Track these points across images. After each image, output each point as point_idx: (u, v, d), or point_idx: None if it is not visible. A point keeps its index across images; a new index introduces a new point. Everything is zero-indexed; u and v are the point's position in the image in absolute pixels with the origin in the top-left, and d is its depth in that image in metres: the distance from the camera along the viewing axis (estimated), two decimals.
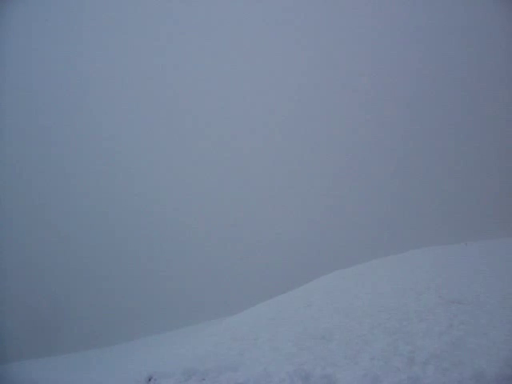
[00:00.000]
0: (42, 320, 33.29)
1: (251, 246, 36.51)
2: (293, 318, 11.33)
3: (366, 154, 40.97)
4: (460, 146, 38.79)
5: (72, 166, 41.88)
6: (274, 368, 8.47)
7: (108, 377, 12.28)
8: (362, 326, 9.83)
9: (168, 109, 45.13)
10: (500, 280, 11.86)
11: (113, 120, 43.98)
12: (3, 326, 32.31)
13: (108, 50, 45.78)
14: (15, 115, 40.25)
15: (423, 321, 9.46)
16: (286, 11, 46.27)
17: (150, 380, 10.16)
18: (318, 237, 36.06)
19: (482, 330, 8.74)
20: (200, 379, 9.31)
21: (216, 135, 43.55)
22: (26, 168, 40.16)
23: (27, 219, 38.28)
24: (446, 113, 40.65)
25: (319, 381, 7.77)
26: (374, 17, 44.47)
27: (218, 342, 10.86)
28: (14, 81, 40.54)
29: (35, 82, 43.13)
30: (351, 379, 7.52)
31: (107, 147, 42.87)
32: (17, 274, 35.37)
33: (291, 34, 46.16)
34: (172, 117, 45.00)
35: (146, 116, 44.97)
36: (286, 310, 12.25)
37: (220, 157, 42.51)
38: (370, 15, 44.58)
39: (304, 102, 43.76)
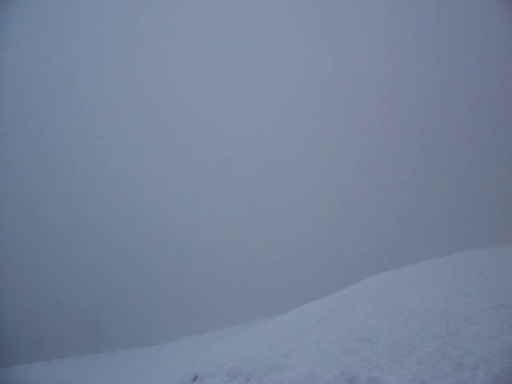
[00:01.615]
0: (87, 319, 34.12)
1: (296, 247, 36.39)
2: (338, 320, 11.24)
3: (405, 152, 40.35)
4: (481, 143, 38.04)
5: (72, 166, 42.35)
6: (319, 370, 8.44)
7: (154, 375, 12.50)
8: (408, 328, 9.65)
9: (168, 109, 45.24)
10: None
11: (112, 120, 44.29)
12: (44, 324, 33.30)
13: (108, 50, 46.12)
14: (13, 116, 41.09)
15: (472, 325, 9.21)
16: (292, 9, 46.10)
17: (195, 379, 10.29)
18: (363, 238, 35.65)
19: None
20: (245, 379, 9.37)
21: (220, 137, 43.60)
22: (26, 168, 40.92)
23: (33, 222, 39.23)
24: (457, 116, 39.80)
25: (365, 383, 7.70)
26: (380, 18, 43.84)
27: (262, 343, 10.88)
28: (13, 81, 41.33)
29: (34, 81, 43.66)
30: (398, 383, 7.41)
31: (107, 147, 43.28)
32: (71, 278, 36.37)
33: (293, 34, 45.94)
34: (173, 117, 45.08)
35: (146, 116, 45.12)
36: (332, 311, 12.16)
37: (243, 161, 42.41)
38: (376, 16, 43.99)
39: (314, 106, 43.35)
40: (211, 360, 10.98)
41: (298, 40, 45.68)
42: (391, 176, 39.05)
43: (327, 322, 11.31)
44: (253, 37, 45.98)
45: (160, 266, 37.12)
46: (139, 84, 45.23)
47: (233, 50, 46.15)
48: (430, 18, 42.64)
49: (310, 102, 43.47)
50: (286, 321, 12.59)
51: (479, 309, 10.04)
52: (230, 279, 35.52)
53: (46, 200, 40.52)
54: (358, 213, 38.56)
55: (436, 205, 36.93)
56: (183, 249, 37.99)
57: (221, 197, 40.71)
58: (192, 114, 45.00)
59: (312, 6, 45.15)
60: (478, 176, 36.72)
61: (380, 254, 31.80)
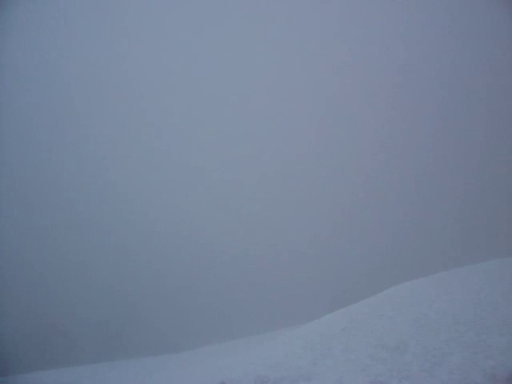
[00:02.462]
0: (111, 326, 34.38)
1: (320, 256, 36.20)
2: (365, 329, 11.17)
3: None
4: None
5: (72, 167, 42.61)
6: (348, 379, 8.40)
7: (181, 382, 12.53)
8: (437, 337, 9.53)
9: (169, 109, 45.25)
10: None
11: (113, 120, 44.42)
12: (68, 330, 33.65)
13: (108, 49, 46.19)
14: (13, 116, 41.45)
15: (503, 335, 9.04)
16: (292, 10, 46.03)
17: None
18: (390, 246, 35.33)
19: None
20: None
21: (225, 140, 43.49)
22: (27, 168, 41.14)
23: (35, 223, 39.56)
24: (465, 119, 39.43)
25: None
26: (377, 17, 43.60)
27: (290, 351, 10.86)
28: (13, 81, 41.72)
29: (34, 81, 44.02)
30: None
31: (107, 147, 43.45)
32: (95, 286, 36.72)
33: (294, 35, 45.79)
34: (173, 117, 45.10)
35: (147, 115, 45.13)
36: (358, 320, 12.09)
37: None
38: (373, 16, 43.75)
39: (319, 110, 43.19)
40: (238, 367, 10.99)
41: (301, 41, 45.60)
42: (412, 178, 38.86)
43: (354, 330, 11.24)
44: (255, 37, 45.93)
45: (186, 274, 37.23)
46: (140, 84, 45.18)
47: (234, 50, 46.21)
48: (431, 17, 42.39)
49: (315, 105, 43.42)
50: (312, 329, 12.55)
51: (510, 319, 9.88)
52: (257, 288, 35.48)
53: (60, 204, 40.92)
54: (381, 220, 38.25)
55: (463, 211, 36.44)
56: (208, 258, 38.03)
57: (239, 207, 40.59)
58: (193, 114, 45.00)
59: (316, 7, 45.13)
60: (504, 180, 36.31)
61: (405, 263, 31.48)
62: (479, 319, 10.12)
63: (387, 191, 38.89)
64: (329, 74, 42.81)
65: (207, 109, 45.05)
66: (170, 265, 37.71)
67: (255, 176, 41.28)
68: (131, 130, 44.52)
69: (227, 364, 12.62)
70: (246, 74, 44.85)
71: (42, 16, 44.46)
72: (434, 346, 9.11)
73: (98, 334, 33.68)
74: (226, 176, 41.84)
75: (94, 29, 46.12)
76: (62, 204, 41.04)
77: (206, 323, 32.63)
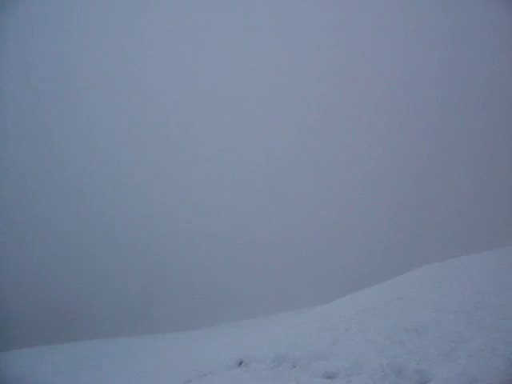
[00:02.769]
0: (135, 301, 34.96)
1: (339, 236, 36.16)
2: (384, 310, 11.14)
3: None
4: None
5: (72, 167, 42.74)
6: (366, 359, 8.41)
7: (199, 359, 12.69)
8: (457, 321, 9.47)
9: (171, 107, 45.11)
10: None
11: (113, 120, 44.42)
12: (93, 304, 34.31)
13: (107, 50, 46.02)
14: (16, 115, 41.61)
15: None
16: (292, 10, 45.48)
17: (240, 364, 10.42)
18: (410, 228, 35.15)
19: None
20: (291, 366, 9.43)
21: (226, 138, 43.38)
22: (28, 168, 41.47)
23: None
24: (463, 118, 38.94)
25: (413, 375, 7.63)
26: (378, 17, 42.98)
27: (308, 331, 10.92)
28: (13, 81, 41.73)
29: (33, 82, 44.05)
30: (447, 376, 7.27)
31: (107, 147, 43.56)
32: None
33: (294, 34, 45.30)
34: (174, 116, 45.00)
35: (149, 114, 45.01)
36: (377, 301, 12.07)
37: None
38: (373, 15, 43.13)
39: (318, 109, 42.82)
40: (257, 346, 11.10)
41: (302, 41, 45.18)
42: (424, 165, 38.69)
43: (373, 311, 11.23)
44: (255, 37, 45.56)
45: (207, 252, 37.54)
46: (142, 82, 45.24)
47: (234, 50, 45.90)
48: (431, 16, 41.76)
49: (313, 104, 43.17)
50: (331, 309, 12.59)
51: None
52: (277, 267, 35.63)
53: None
54: (404, 201, 38.00)
55: (480, 196, 36.07)
56: (229, 238, 38.22)
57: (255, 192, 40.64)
58: (193, 114, 44.94)
59: (316, 7, 44.58)
60: None
61: (427, 245, 31.29)
62: (501, 305, 10.01)
63: (401, 174, 38.73)
64: (327, 73, 42.56)
65: (208, 109, 45.00)
66: (190, 243, 38.04)
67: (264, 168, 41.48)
68: (135, 127, 44.71)
69: (246, 342, 12.75)
70: (246, 73, 44.59)
71: (44, 14, 44.54)
72: (454, 329, 9.05)
73: (121, 309, 34.28)
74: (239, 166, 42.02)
75: (97, 28, 46.02)
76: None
77: (226, 301, 32.95)
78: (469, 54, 39.65)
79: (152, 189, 41.62)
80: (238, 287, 34.38)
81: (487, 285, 11.63)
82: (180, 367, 12.19)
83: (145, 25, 46.84)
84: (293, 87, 43.98)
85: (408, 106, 41.27)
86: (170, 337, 23.37)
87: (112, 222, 39.77)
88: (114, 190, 41.41)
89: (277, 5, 45.72)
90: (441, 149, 39.36)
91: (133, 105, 45.40)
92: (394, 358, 8.21)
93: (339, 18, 43.93)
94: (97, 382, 13.70)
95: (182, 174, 42.29)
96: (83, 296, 35.02)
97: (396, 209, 37.73)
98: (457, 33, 40.12)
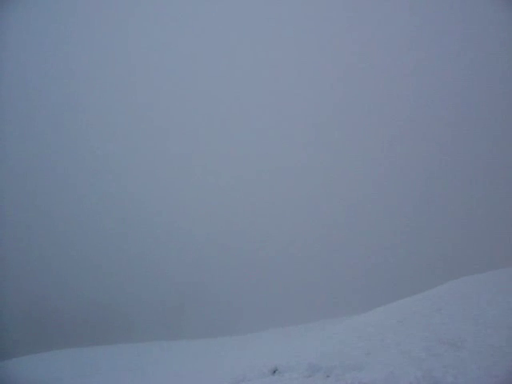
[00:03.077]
0: (171, 306, 35.29)
1: (380, 247, 35.74)
2: (421, 322, 10.96)
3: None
4: None
5: (72, 167, 43.15)
6: (401, 371, 8.27)
7: (233, 365, 12.73)
8: (496, 335, 9.23)
9: (170, 108, 45.03)
10: None
11: (113, 120, 44.59)
12: (130, 309, 34.75)
13: (107, 50, 46.22)
14: (13, 116, 42.07)
15: None
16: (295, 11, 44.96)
17: (274, 372, 10.38)
18: (450, 238, 34.48)
19: None
20: (324, 376, 9.35)
21: (228, 139, 43.05)
22: (27, 168, 41.99)
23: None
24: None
25: None
26: (381, 20, 42.21)
27: (343, 341, 10.80)
28: (13, 81, 42.19)
29: (33, 82, 44.53)
30: None
31: (108, 147, 43.71)
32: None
33: (297, 35, 44.79)
34: (174, 116, 44.88)
35: (147, 115, 45.04)
36: (414, 312, 11.87)
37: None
38: (376, 18, 42.37)
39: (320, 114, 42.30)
40: (291, 354, 11.03)
41: (304, 41, 44.95)
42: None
43: (410, 323, 11.05)
44: (258, 38, 45.35)
45: (242, 260, 37.60)
46: (140, 84, 45.47)
47: (236, 50, 45.78)
48: (435, 19, 41.00)
49: (317, 106, 42.79)
50: (367, 320, 12.43)
51: None
52: (312, 275, 35.45)
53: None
54: (447, 210, 37.33)
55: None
56: (272, 243, 38.21)
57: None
58: (194, 114, 44.93)
59: (320, 8, 44.20)
60: None
61: (467, 257, 30.63)
62: None
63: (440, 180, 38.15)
64: (332, 75, 42.20)
65: (209, 109, 45.03)
66: (225, 252, 38.15)
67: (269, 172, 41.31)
68: (132, 128, 44.91)
69: (280, 350, 12.71)
70: (250, 74, 44.53)
71: (42, 15, 45.16)
72: (493, 344, 8.82)
73: (158, 314, 34.67)
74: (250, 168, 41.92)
75: (96, 28, 46.45)
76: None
77: (261, 309, 32.93)
78: (473, 57, 39.05)
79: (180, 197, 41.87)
80: (273, 295, 34.33)
81: None
82: (214, 374, 12.25)
83: (144, 25, 47.17)
84: (297, 88, 43.84)
85: (415, 110, 40.72)
86: (204, 343, 23.51)
87: (147, 231, 40.21)
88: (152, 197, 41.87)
89: (283, 6, 45.67)
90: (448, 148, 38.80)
91: (132, 105, 45.70)
92: (430, 371, 8.04)
93: (344, 22, 43.70)
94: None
95: (201, 184, 42.32)
96: (121, 301, 35.55)
97: (436, 217, 37.11)
98: (462, 36, 39.65)
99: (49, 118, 44.83)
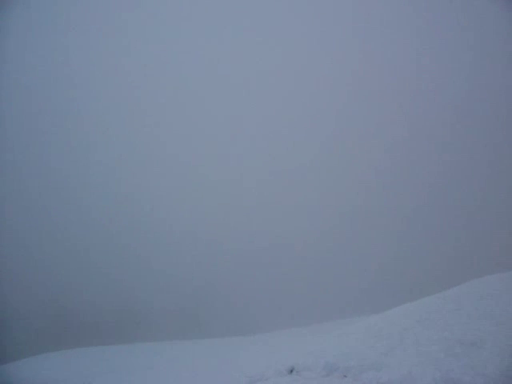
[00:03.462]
0: (187, 306, 35.44)
1: (398, 245, 35.50)
2: (440, 322, 10.85)
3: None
4: None
5: (72, 167, 43.17)
6: (419, 371, 8.21)
7: (251, 365, 12.73)
8: None
9: (171, 110, 44.90)
10: None
11: (113, 120, 44.51)
12: (148, 309, 34.97)
13: (107, 50, 46.21)
14: (16, 117, 42.05)
15: None
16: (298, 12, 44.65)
17: (291, 371, 10.38)
18: (470, 236, 34.12)
19: None
20: (341, 375, 9.32)
21: (230, 141, 42.86)
22: (27, 169, 41.98)
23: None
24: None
25: None
26: (379, 17, 41.76)
27: (361, 340, 10.76)
28: (13, 81, 42.24)
29: (35, 82, 44.50)
30: None
31: (108, 146, 43.69)
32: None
33: (301, 36, 44.44)
34: (175, 117, 44.75)
35: (147, 117, 44.95)
36: (433, 312, 11.75)
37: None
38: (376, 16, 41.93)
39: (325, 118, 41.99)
40: (308, 354, 11.01)
41: (307, 41, 44.76)
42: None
43: (428, 322, 10.95)
44: (261, 39, 45.20)
45: (262, 261, 37.61)
46: (140, 85, 45.47)
47: (238, 51, 45.58)
48: (437, 18, 40.57)
49: (319, 108, 42.64)
50: (385, 319, 12.35)
51: None
52: (330, 275, 35.34)
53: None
54: (467, 208, 36.99)
55: None
56: (287, 244, 38.18)
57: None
58: (195, 116, 44.89)
59: (322, 9, 43.98)
60: None
61: (486, 256, 30.28)
62: None
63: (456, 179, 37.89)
64: (334, 77, 41.93)
65: (210, 110, 44.94)
66: (243, 252, 38.18)
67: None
68: (132, 129, 44.92)
69: (298, 349, 12.69)
70: (250, 76, 44.39)
71: (42, 16, 45.30)
72: None
73: (176, 314, 34.84)
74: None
75: (95, 29, 46.49)
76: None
77: (279, 309, 32.90)
78: (476, 58, 38.74)
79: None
80: (291, 295, 34.28)
81: None
82: (232, 373, 12.27)
83: (145, 27, 47.22)
84: (300, 90, 43.77)
85: (416, 113, 40.57)
86: (221, 342, 23.55)
87: (168, 231, 40.37)
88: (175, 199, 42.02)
89: (288, 7, 45.52)
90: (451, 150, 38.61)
91: (133, 107, 45.76)
92: (448, 372, 7.97)
93: (345, 22, 43.59)
94: (152, 383, 13.99)
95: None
96: (138, 302, 35.80)
97: (456, 215, 36.78)
98: (465, 36, 39.39)
99: (49, 120, 45.05)
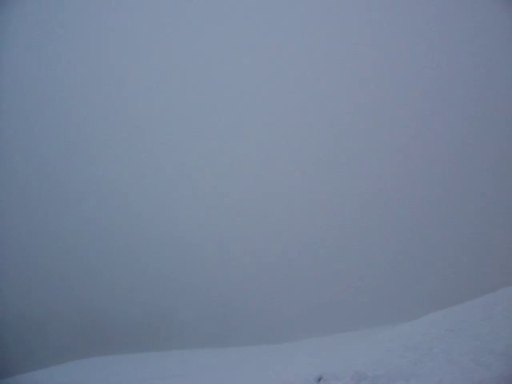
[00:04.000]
0: (217, 313, 35.57)
1: (426, 252, 35.05)
2: (471, 331, 10.69)
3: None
4: None
5: (73, 167, 43.22)
6: (449, 381, 8.12)
7: (278, 373, 12.73)
8: None
9: (170, 110, 44.68)
10: None
11: (112, 122, 44.37)
12: (178, 316, 35.15)
13: (108, 50, 46.20)
14: (14, 119, 41.99)
15: None
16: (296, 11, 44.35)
17: (319, 380, 10.34)
18: (501, 242, 33.46)
19: None
20: None
21: (232, 142, 42.60)
22: (27, 171, 42.12)
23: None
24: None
25: None
26: (379, 16, 41.23)
27: (389, 349, 10.67)
28: (13, 82, 42.15)
29: (34, 83, 44.55)
30: None
31: (106, 148, 43.52)
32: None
33: (299, 34, 44.11)
34: (175, 117, 44.50)
35: (146, 117, 44.69)
36: (464, 321, 11.59)
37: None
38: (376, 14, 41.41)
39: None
40: (337, 362, 10.98)
41: (305, 39, 44.38)
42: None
43: (459, 331, 10.81)
44: (260, 38, 44.91)
45: (288, 269, 37.53)
46: (139, 86, 45.27)
47: (236, 50, 45.36)
48: (435, 18, 39.94)
49: (320, 108, 42.32)
50: (415, 328, 12.23)
51: None
52: (358, 284, 35.06)
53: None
54: (496, 216, 36.31)
55: None
56: (315, 252, 38.04)
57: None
58: (192, 114, 44.61)
59: (321, 8, 43.63)
60: None
61: None
62: None
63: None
64: (337, 77, 41.67)
65: (209, 111, 44.84)
66: (271, 260, 38.13)
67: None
68: (131, 129, 44.70)
69: (326, 358, 12.64)
70: (250, 76, 44.23)
71: (41, 16, 45.45)
72: None
73: (204, 321, 34.99)
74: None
75: (94, 29, 46.65)
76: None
77: (306, 317, 32.76)
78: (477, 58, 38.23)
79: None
80: (318, 303, 34.11)
81: None
82: (259, 381, 12.28)
83: (145, 27, 47.25)
84: (301, 89, 43.50)
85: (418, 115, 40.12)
86: (249, 350, 23.53)
87: (196, 239, 40.54)
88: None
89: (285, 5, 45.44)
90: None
91: (130, 109, 45.75)
92: (479, 383, 7.85)
93: (346, 23, 43.32)
94: None
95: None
96: (168, 308, 36.05)
97: (490, 221, 36.16)
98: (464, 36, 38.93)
99: (49, 121, 45.11)
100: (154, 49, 47.69)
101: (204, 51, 46.69)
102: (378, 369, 9.55)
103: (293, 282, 36.55)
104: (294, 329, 29.67)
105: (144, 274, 38.31)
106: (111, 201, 42.07)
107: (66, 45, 46.71)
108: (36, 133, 44.83)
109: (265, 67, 44.56)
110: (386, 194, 38.21)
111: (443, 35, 40.31)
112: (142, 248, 39.76)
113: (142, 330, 34.12)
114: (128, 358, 24.07)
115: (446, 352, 9.62)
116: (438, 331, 11.12)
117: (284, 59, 45.10)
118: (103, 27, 46.84)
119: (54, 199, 42.43)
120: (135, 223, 41.21)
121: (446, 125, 39.07)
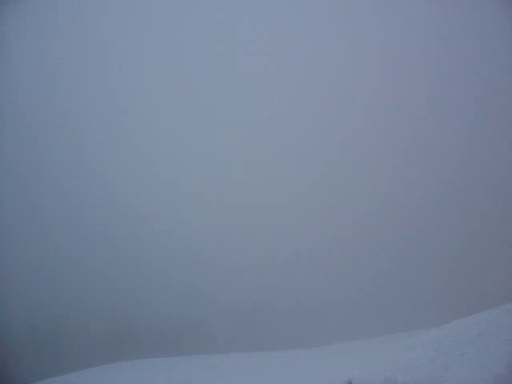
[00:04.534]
0: (243, 318, 35.63)
1: (457, 258, 34.53)
2: (503, 336, 10.49)
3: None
4: None
5: (72, 169, 43.17)
6: None
7: (308, 378, 12.71)
8: None
9: (169, 112, 44.34)
10: None
11: (112, 122, 44.16)
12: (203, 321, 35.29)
13: (108, 51, 46.02)
14: (14, 119, 41.88)
15: None
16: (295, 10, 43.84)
17: None
18: None
19: None
20: None
21: (233, 143, 42.24)
22: (27, 171, 42.31)
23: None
24: None
25: None
26: (380, 17, 40.53)
27: (420, 354, 10.56)
28: (13, 82, 42.03)
29: (33, 82, 44.89)
30: None
31: (106, 148, 43.35)
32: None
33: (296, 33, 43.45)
34: (175, 117, 44.16)
35: (146, 117, 44.35)
36: (496, 325, 11.37)
37: None
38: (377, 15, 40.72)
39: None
40: (366, 367, 10.92)
41: (304, 39, 43.83)
42: None
43: (490, 336, 10.62)
44: (259, 38, 44.42)
45: (317, 273, 37.36)
46: (139, 86, 44.93)
47: (234, 50, 44.91)
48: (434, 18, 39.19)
49: (321, 110, 41.66)
50: (445, 333, 12.07)
51: None
52: (388, 287, 34.74)
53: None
54: None
55: None
56: (346, 255, 37.76)
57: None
58: (192, 114, 44.32)
59: (321, 8, 43.10)
60: None
61: None
62: None
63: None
64: (338, 78, 41.15)
65: (209, 111, 44.61)
66: (298, 265, 37.99)
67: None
68: (131, 130, 44.55)
69: (356, 363, 12.57)
70: (250, 77, 43.83)
71: (41, 16, 45.39)
72: None
73: (234, 326, 35.08)
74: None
75: (93, 30, 46.42)
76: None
77: (337, 321, 32.59)
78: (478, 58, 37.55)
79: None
80: (348, 308, 33.89)
81: None
82: None
83: (144, 27, 46.94)
84: (303, 91, 43.09)
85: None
86: (278, 355, 23.52)
87: (226, 244, 40.57)
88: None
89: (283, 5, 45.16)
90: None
91: (130, 109, 45.64)
92: None
93: (347, 23, 42.91)
94: None
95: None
96: (197, 314, 36.23)
97: (499, 224, 35.53)
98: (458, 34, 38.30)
99: (49, 122, 45.13)
100: (154, 49, 47.67)
101: (204, 51, 46.75)
102: (409, 374, 9.48)
103: (322, 287, 36.38)
104: (322, 333, 29.55)
105: (173, 281, 38.54)
106: (125, 204, 42.42)
107: (66, 45, 46.72)
108: (36, 133, 45.06)
109: (265, 68, 44.38)
110: (390, 195, 38.07)
111: (444, 37, 39.89)
112: (168, 255, 39.99)
113: (168, 336, 34.39)
114: (153, 363, 24.26)
115: (478, 357, 9.48)
116: (469, 336, 10.94)
117: (286, 63, 45.02)
118: (103, 28, 46.75)
119: (67, 205, 42.99)
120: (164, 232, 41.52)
121: (448, 128, 38.65)
